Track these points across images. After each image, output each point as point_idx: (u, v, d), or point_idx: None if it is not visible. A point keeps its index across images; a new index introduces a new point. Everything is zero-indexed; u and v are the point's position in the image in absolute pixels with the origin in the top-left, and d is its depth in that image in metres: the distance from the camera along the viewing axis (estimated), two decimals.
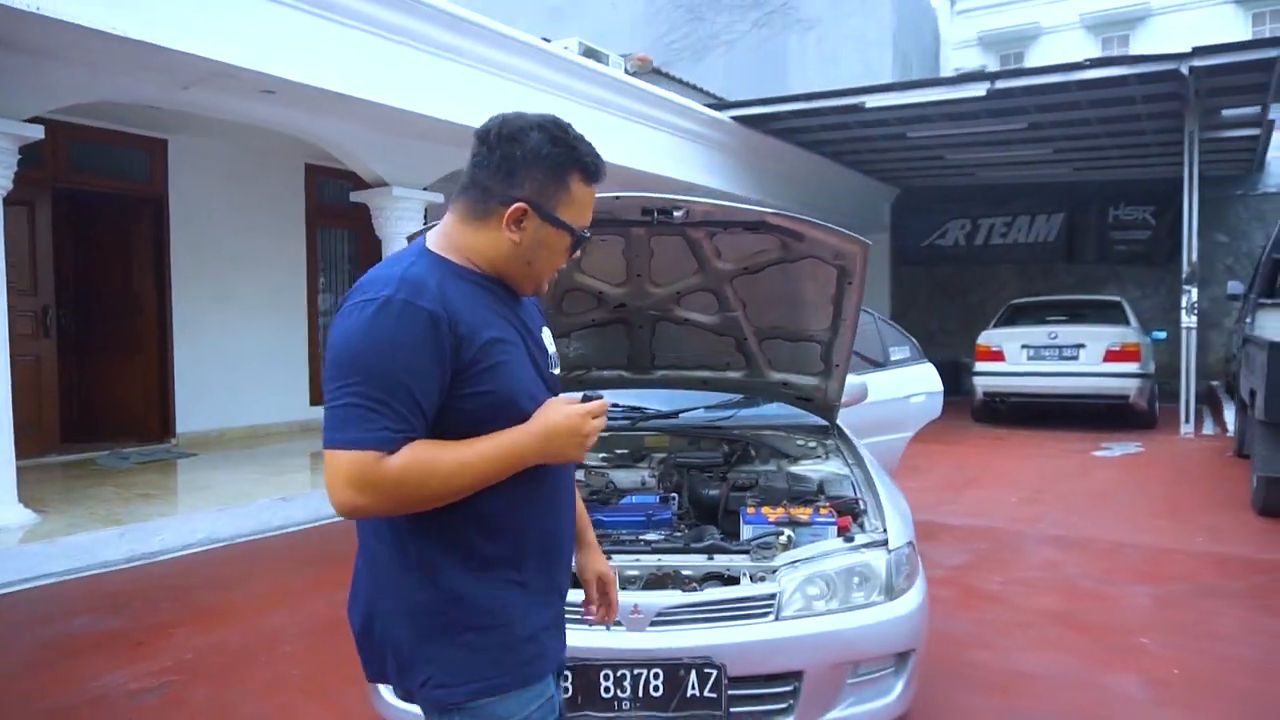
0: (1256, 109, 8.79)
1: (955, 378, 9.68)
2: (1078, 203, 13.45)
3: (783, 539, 2.58)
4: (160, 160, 7.87)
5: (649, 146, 8.85)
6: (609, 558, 2.48)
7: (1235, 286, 7.12)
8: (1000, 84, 8.16)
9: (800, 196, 11.87)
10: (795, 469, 3.18)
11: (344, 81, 5.85)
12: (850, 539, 2.55)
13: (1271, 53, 6.99)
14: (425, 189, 7.52)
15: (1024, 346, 9.37)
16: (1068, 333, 9.25)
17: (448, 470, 1.27)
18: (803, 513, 2.68)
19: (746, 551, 2.50)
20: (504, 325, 1.38)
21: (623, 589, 2.40)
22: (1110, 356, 8.90)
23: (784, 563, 2.44)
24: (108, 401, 8.00)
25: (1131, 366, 8.86)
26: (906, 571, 2.51)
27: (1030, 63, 18.73)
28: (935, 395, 5.25)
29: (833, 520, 2.63)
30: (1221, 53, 7.23)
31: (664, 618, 2.30)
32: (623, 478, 3.23)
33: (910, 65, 15.91)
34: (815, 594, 2.41)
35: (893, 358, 5.25)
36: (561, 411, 1.35)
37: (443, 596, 1.35)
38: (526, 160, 1.34)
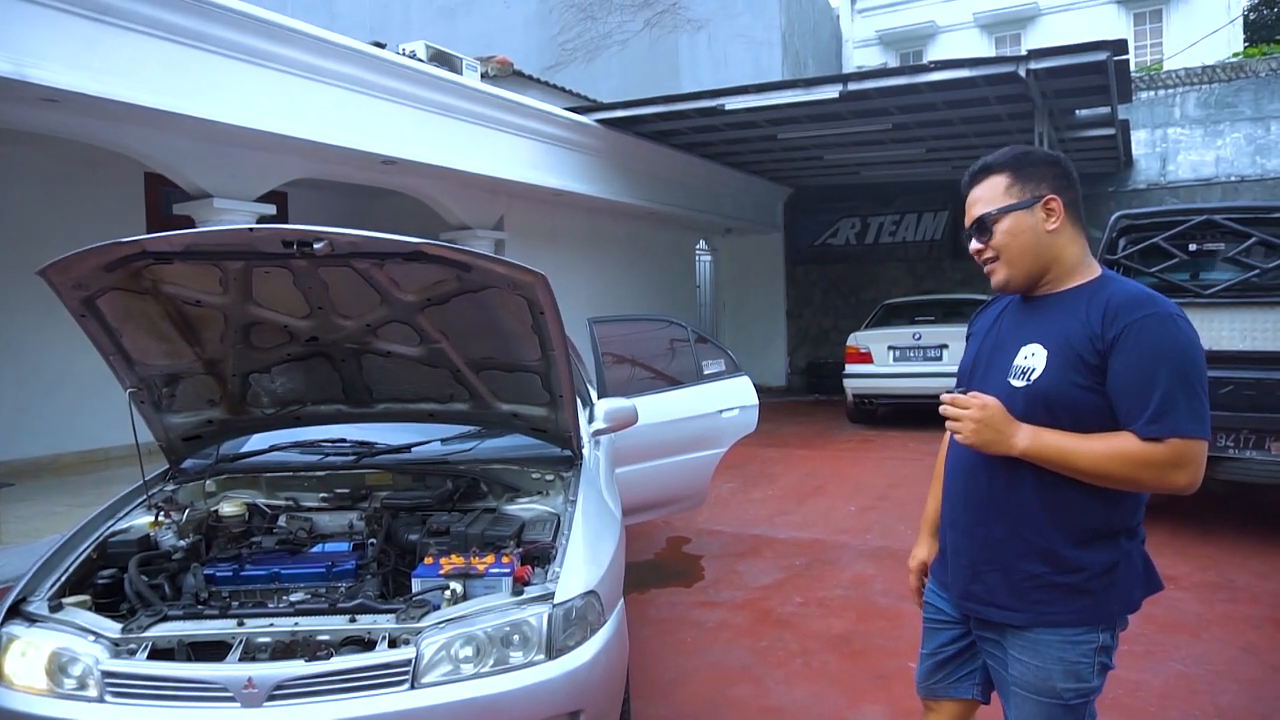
0: (1106, 109, 8.94)
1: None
2: (961, 200, 13.55)
3: (448, 594, 2.40)
4: None
5: (507, 153, 8.62)
6: (241, 623, 2.29)
7: None
8: (852, 86, 8.14)
9: (681, 199, 11.79)
10: (510, 508, 3.00)
11: (138, 92, 5.51)
12: (520, 592, 2.38)
13: (1100, 55, 7.08)
14: (256, 200, 7.17)
15: (890, 348, 9.39)
16: (931, 333, 9.28)
17: None
18: (482, 562, 2.50)
19: (396, 611, 2.31)
20: None
21: (251, 659, 2.20)
22: None
23: (431, 623, 2.26)
24: None
25: None
26: (577, 626, 2.35)
27: (930, 60, 18.99)
28: (750, 409, 5.15)
29: (509, 571, 2.45)
30: (1054, 55, 7.29)
31: (283, 691, 2.10)
32: (329, 522, 3.02)
33: (805, 64, 15.95)
34: (466, 656, 2.23)
35: (706, 372, 5.14)
36: None
37: None
38: None
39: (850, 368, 9.68)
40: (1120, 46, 7.21)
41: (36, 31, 4.97)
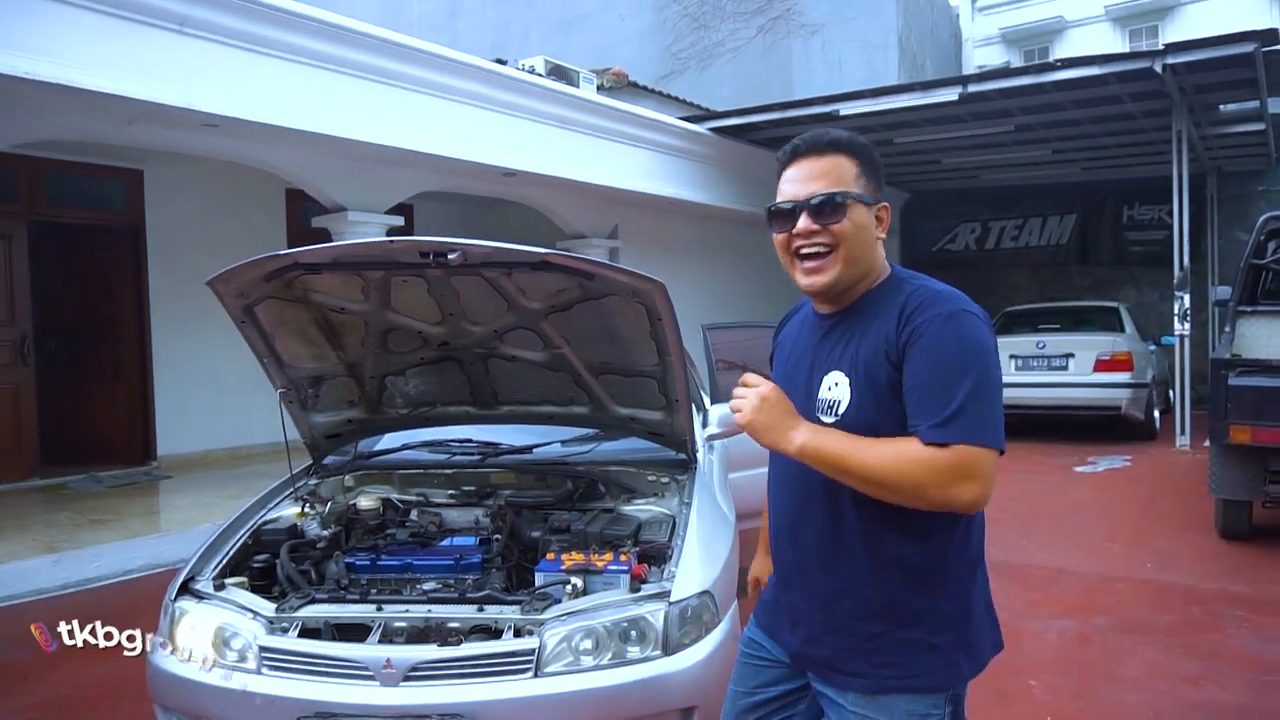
0: (1255, 103, 8.39)
1: None
2: (1090, 203, 13.01)
3: (569, 588, 2.51)
4: (137, 191, 8.09)
5: (623, 163, 8.81)
6: (379, 608, 2.47)
7: (1223, 291, 6.75)
8: (973, 88, 7.93)
9: None
10: (627, 509, 3.09)
11: (287, 115, 5.95)
12: (637, 589, 2.47)
13: (1247, 47, 6.66)
14: (385, 213, 7.58)
15: (1012, 356, 9.04)
16: (1056, 342, 8.90)
17: None
18: (601, 560, 2.60)
19: (521, 603, 2.43)
20: None
21: (389, 641, 2.36)
22: (1100, 366, 8.53)
23: (554, 615, 2.36)
24: (91, 427, 8.23)
25: (1123, 376, 8.49)
26: (692, 625, 2.41)
27: (1056, 58, 18.23)
28: None
29: (627, 568, 2.54)
30: (1196, 49, 6.90)
31: (418, 673, 2.25)
32: (457, 517, 3.19)
33: (923, 66, 15.58)
34: (586, 649, 2.34)
35: None
36: None
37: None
38: None
39: None
40: (1270, 36, 6.77)
41: (202, 64, 5.43)
